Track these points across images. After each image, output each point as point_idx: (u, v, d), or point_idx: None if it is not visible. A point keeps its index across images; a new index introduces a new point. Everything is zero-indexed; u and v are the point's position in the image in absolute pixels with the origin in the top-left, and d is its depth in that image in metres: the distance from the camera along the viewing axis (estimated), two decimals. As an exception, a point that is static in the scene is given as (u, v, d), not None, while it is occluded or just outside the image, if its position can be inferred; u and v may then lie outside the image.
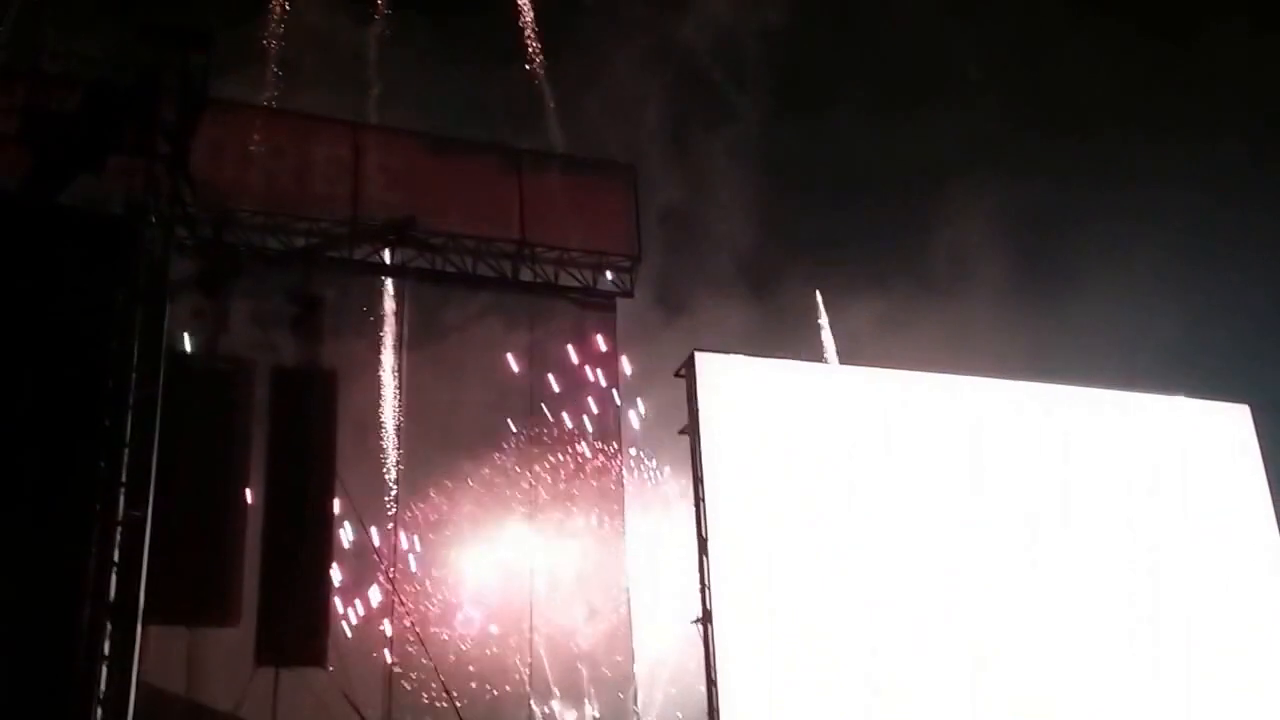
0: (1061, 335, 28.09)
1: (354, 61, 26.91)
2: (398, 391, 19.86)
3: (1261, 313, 29.19)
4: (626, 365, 22.00)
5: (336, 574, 17.83)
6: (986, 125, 32.97)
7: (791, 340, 29.18)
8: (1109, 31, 33.84)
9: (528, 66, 29.19)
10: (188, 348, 17.46)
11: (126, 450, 14.38)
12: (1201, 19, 31.97)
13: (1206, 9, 32.23)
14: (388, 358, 20.15)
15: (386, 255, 20.58)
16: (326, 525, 17.34)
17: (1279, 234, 29.45)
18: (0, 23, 20.58)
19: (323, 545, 17.16)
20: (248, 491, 17.01)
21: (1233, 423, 22.82)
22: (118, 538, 13.91)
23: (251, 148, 19.52)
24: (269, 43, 26.09)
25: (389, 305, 20.65)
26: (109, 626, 13.63)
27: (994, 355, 24.79)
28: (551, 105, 27.37)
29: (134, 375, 14.89)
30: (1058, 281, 31.12)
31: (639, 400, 23.36)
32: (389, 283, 20.79)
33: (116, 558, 13.91)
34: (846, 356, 29.23)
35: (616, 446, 20.93)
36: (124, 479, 14.21)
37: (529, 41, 30.26)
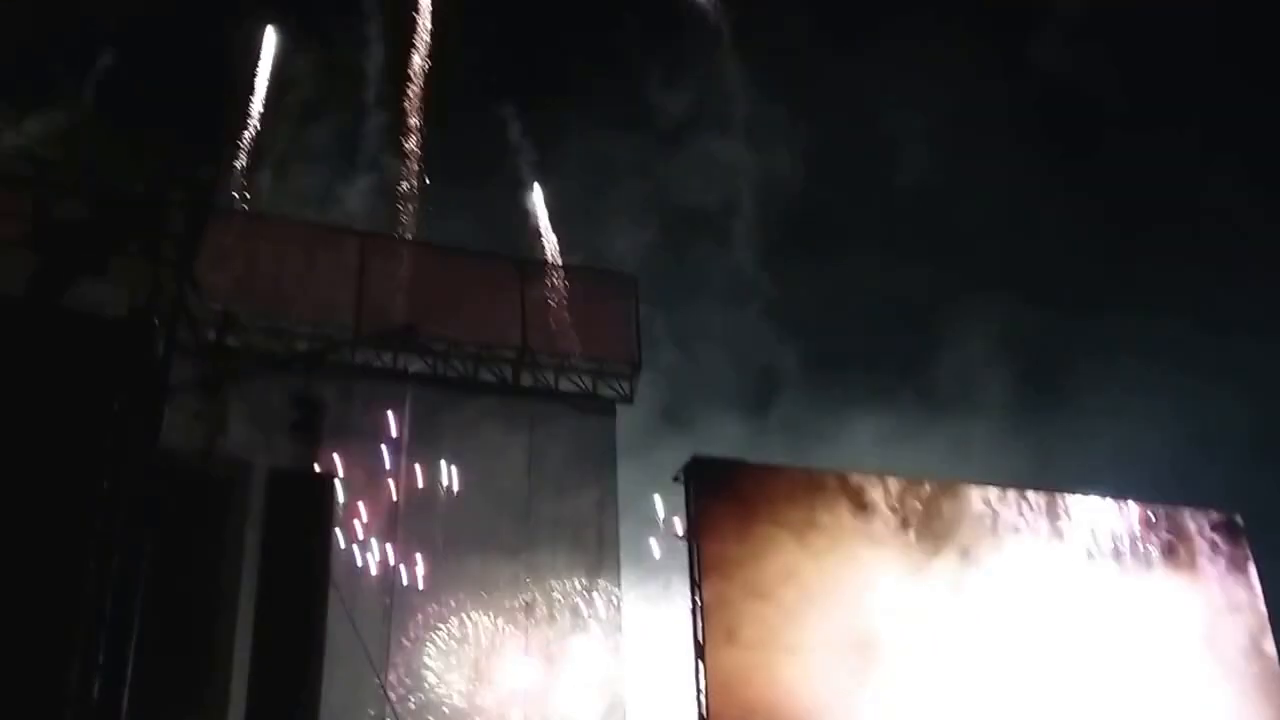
0: (1060, 450, 28.64)
1: (363, 164, 27.45)
2: (396, 496, 19.81)
3: (1249, 429, 29.82)
4: (625, 471, 21.93)
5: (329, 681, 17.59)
6: (991, 256, 33.88)
7: (793, 451, 29.22)
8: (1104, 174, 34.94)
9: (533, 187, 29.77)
10: (184, 450, 17.46)
11: (116, 553, 14.38)
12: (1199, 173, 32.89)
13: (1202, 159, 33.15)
14: (387, 462, 20.13)
15: (388, 360, 20.70)
16: (318, 629, 17.13)
17: (1264, 361, 30.09)
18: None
19: (315, 652, 16.93)
20: (240, 595, 16.87)
21: (1224, 529, 23.13)
22: (103, 641, 13.82)
23: (257, 254, 19.80)
24: (279, 140, 26.74)
25: (389, 410, 20.69)
26: (93, 731, 13.48)
27: (994, 468, 25.04)
28: (547, 218, 27.78)
29: (128, 478, 14.98)
30: (1056, 400, 32.14)
31: (638, 505, 23.22)
32: (390, 388, 20.84)
33: (101, 661, 13.81)
34: (849, 467, 29.11)
35: (614, 551, 20.77)
36: (112, 582, 14.17)
37: (528, 169, 31.03)
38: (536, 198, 27.56)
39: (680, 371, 31.05)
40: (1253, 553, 22.95)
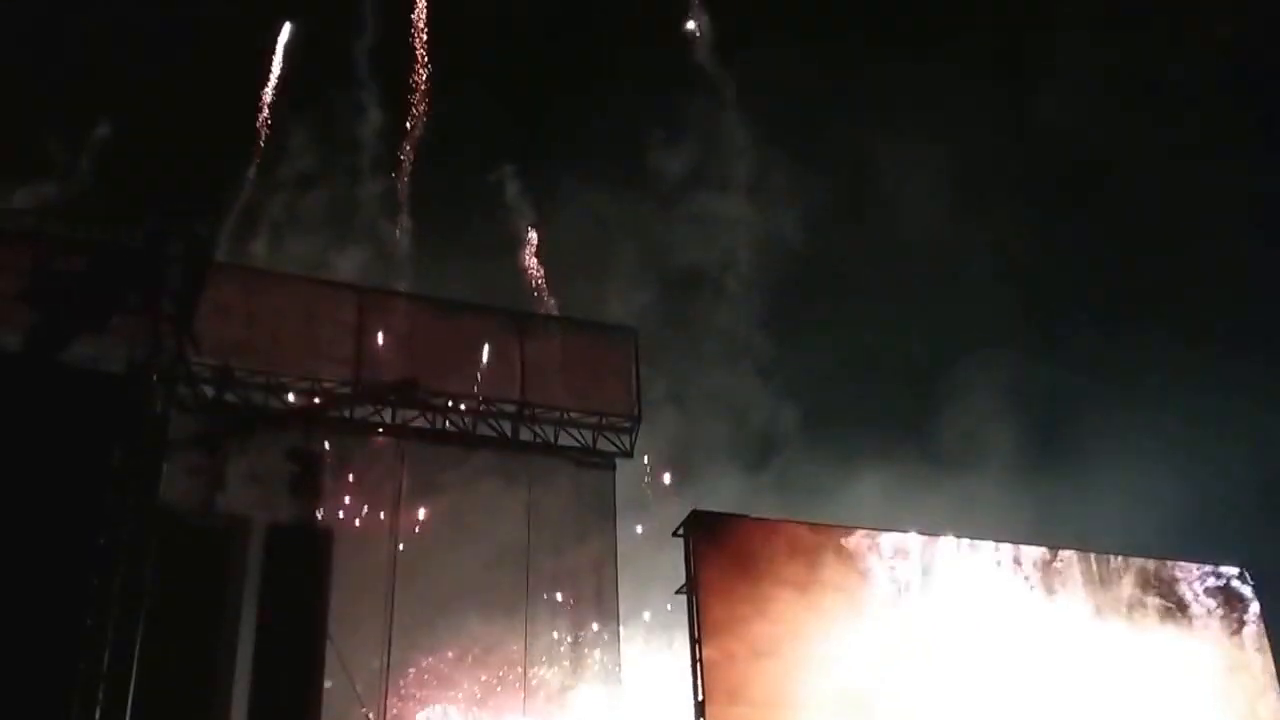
0: (1065, 507, 28.65)
1: (360, 227, 27.65)
2: (394, 552, 19.68)
3: (1256, 486, 29.75)
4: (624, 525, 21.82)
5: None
6: (996, 313, 34.12)
7: (795, 507, 29.09)
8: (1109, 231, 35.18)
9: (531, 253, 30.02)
10: (182, 505, 17.41)
11: (113, 609, 14.32)
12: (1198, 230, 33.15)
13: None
14: (385, 517, 20.03)
15: (387, 415, 20.67)
16: (316, 688, 17.01)
17: (1270, 416, 30.21)
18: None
19: (311, 702, 16.80)
20: (237, 648, 16.75)
21: (1229, 584, 22.99)
22: (100, 697, 13.74)
23: (256, 310, 19.82)
24: (275, 207, 26.98)
25: (388, 465, 20.63)
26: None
27: (1000, 525, 25.06)
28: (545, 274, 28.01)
29: (126, 533, 14.95)
30: (1061, 457, 32.03)
31: (638, 560, 23.11)
32: (389, 442, 20.78)
33: (98, 718, 13.72)
34: (854, 519, 29.05)
35: (613, 606, 20.61)
36: (109, 637, 14.11)
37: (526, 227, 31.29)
38: (534, 254, 27.80)
39: (680, 430, 31.00)
40: (1262, 610, 22.80)
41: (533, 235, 32.46)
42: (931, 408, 33.40)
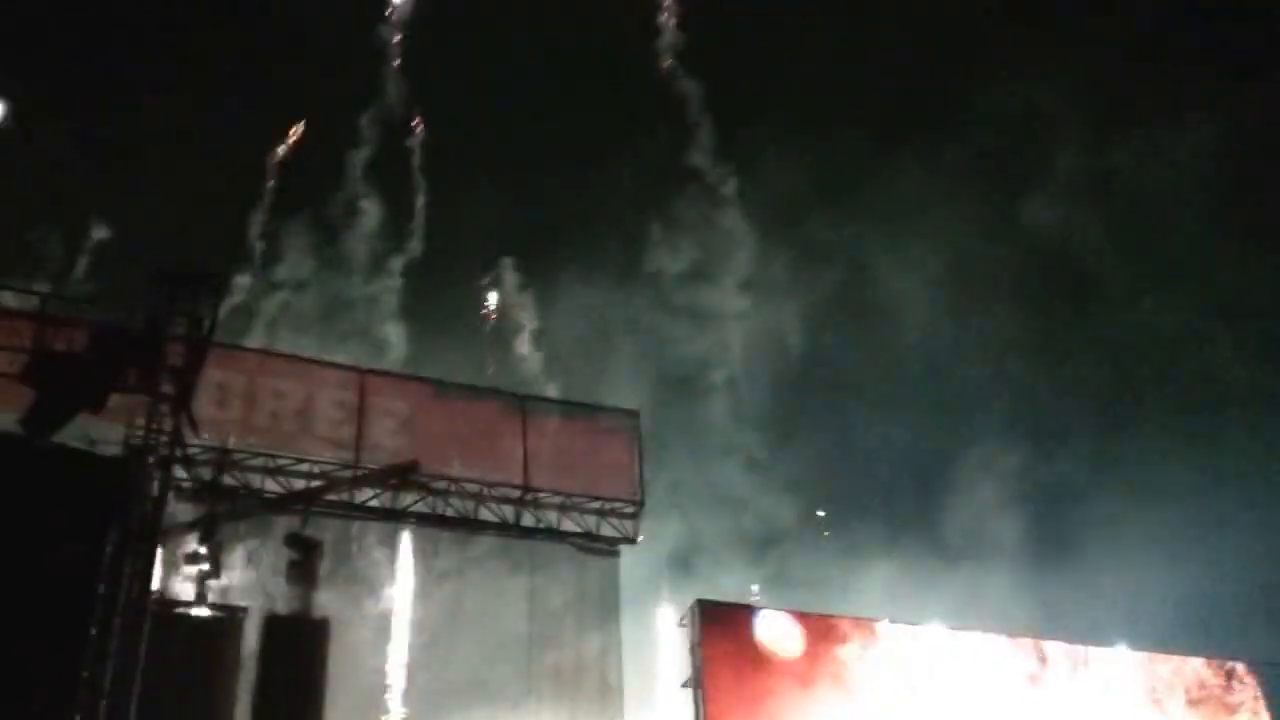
0: (1067, 598, 28.72)
1: (363, 309, 27.52)
2: (393, 638, 19.23)
3: (1258, 579, 29.85)
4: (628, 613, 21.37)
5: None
6: (996, 410, 34.39)
7: (801, 600, 28.79)
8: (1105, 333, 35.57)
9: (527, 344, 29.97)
10: (177, 591, 17.02)
11: (104, 702, 13.89)
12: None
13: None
14: (384, 603, 19.61)
15: (388, 498, 20.30)
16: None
17: (1270, 515, 30.63)
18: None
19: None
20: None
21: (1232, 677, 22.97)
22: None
23: (257, 391, 19.56)
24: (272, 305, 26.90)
25: (388, 549, 20.23)
26: None
27: (1002, 616, 24.84)
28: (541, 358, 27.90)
29: (118, 620, 14.54)
30: (1062, 549, 32.28)
31: (641, 648, 22.63)
32: (389, 527, 20.39)
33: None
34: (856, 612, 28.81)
35: (617, 694, 20.10)
36: (101, 729, 13.66)
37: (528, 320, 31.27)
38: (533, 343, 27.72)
39: (682, 524, 30.83)
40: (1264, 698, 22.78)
41: (531, 326, 32.38)
42: (934, 502, 33.44)
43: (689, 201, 35.97)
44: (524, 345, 29.44)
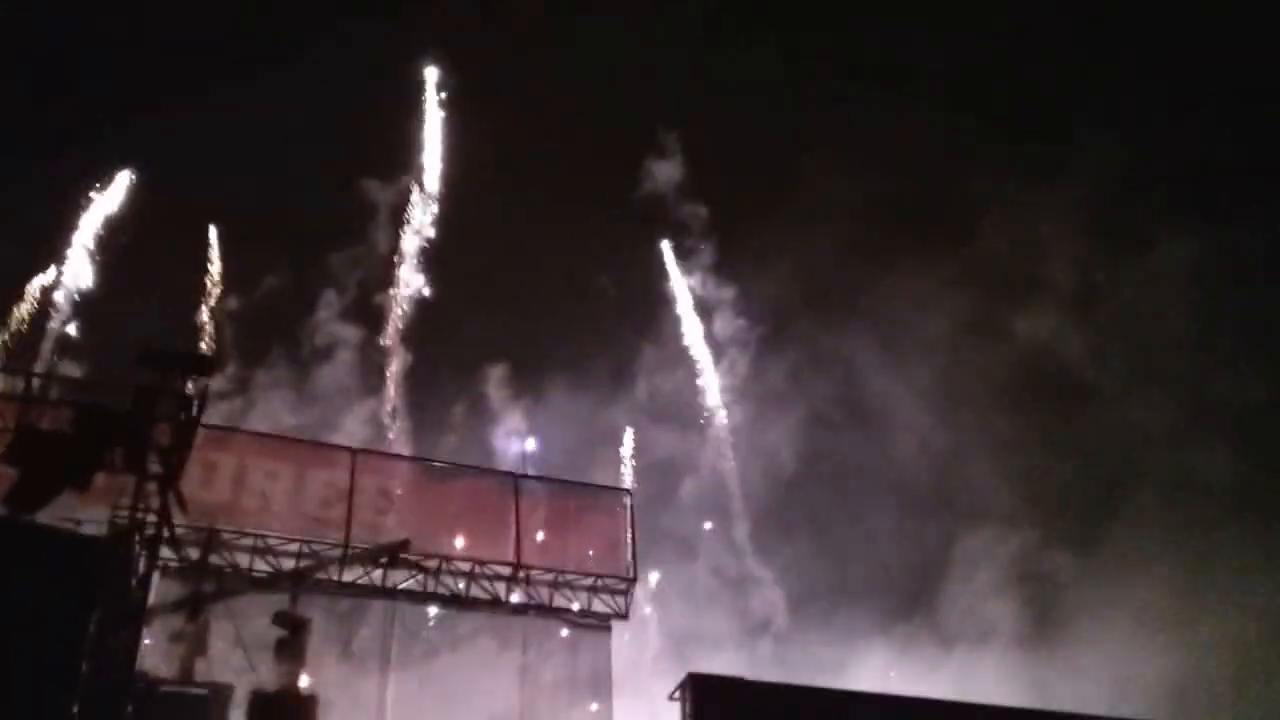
0: (1056, 678, 28.78)
1: (360, 373, 27.76)
2: (382, 714, 19.13)
3: (1236, 660, 30.32)
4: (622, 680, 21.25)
5: None
6: (991, 503, 35.19)
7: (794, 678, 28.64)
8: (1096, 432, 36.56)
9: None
10: (162, 671, 17.01)
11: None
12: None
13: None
14: (374, 680, 19.53)
15: (378, 576, 20.33)
16: None
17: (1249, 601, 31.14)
18: None
19: None
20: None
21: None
22: None
23: (246, 471, 19.70)
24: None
25: (378, 627, 20.20)
26: None
27: (996, 696, 24.84)
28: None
29: (103, 701, 14.56)
30: (1053, 631, 33.07)
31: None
32: (379, 604, 20.38)
33: None
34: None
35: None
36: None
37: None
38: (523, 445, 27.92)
39: (676, 612, 31.00)
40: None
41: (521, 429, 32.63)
42: (930, 589, 33.89)
43: (675, 321, 36.63)
44: (513, 445, 29.67)
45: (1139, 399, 35.97)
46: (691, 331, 35.61)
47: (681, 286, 34.99)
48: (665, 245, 34.98)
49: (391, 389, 26.13)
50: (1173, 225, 36.06)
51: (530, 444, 32.77)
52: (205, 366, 17.42)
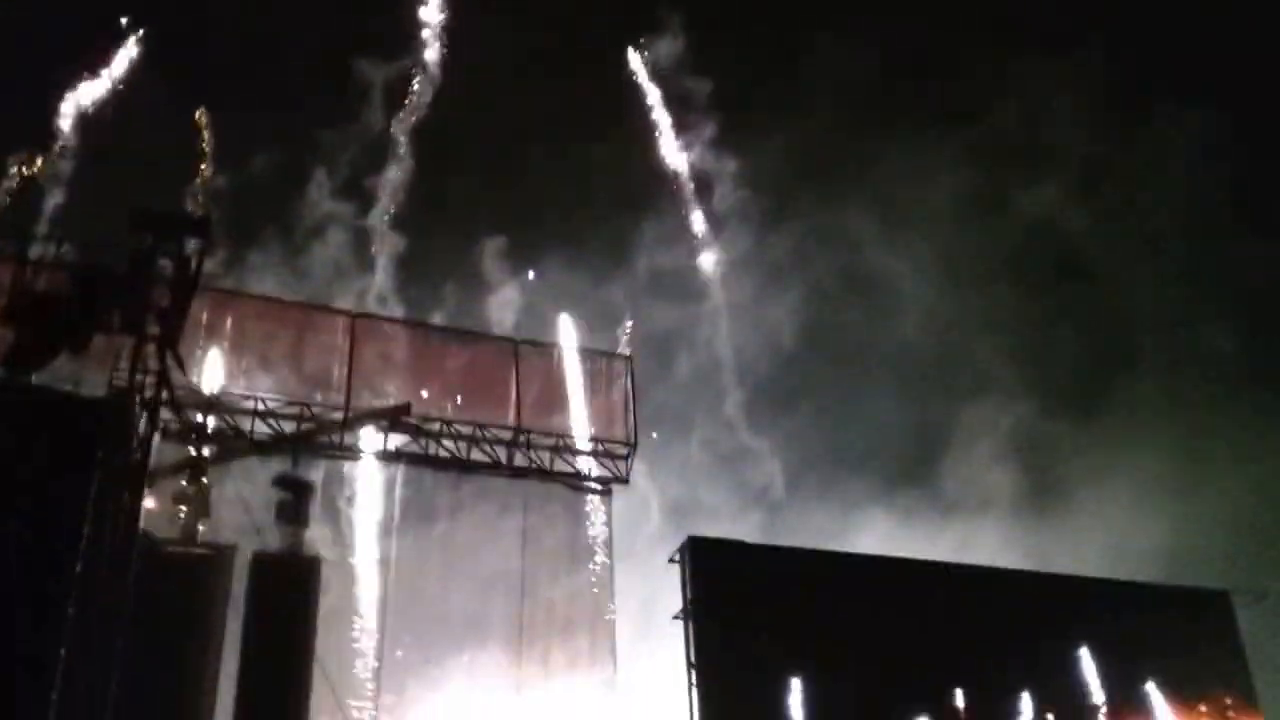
0: (1054, 545, 29.13)
1: (354, 252, 27.33)
2: (385, 578, 19.29)
3: (1231, 522, 30.59)
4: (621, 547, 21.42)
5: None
6: (991, 371, 35.20)
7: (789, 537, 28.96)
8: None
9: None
10: (165, 532, 17.06)
11: (92, 640, 13.94)
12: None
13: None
14: (376, 542, 19.64)
15: (379, 440, 20.33)
16: (301, 712, 16.57)
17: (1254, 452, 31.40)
18: None
19: (298, 734, 16.38)
20: (220, 679, 16.32)
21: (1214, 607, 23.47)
22: (75, 727, 13.35)
23: (246, 334, 19.54)
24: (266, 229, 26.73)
25: (380, 490, 20.24)
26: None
27: (995, 561, 25.15)
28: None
29: (105, 561, 14.58)
30: (1051, 496, 32.96)
31: (634, 586, 22.68)
32: (380, 467, 20.40)
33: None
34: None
35: (609, 629, 20.16)
36: (86, 669, 13.72)
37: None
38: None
39: (679, 478, 31.08)
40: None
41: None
42: (931, 459, 34.20)
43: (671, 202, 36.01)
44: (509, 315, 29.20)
45: (1143, 275, 36.03)
46: (685, 191, 34.98)
47: (654, 93, 33.97)
48: (632, 52, 33.74)
49: (381, 272, 25.72)
50: (1183, 101, 35.58)
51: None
52: (201, 228, 17.06)
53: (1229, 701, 22.24)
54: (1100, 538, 29.40)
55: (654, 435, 26.36)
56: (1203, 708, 21.95)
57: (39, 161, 23.84)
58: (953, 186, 36.53)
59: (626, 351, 23.54)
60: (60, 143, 24.99)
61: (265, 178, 30.73)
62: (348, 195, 29.83)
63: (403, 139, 29.88)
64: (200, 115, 27.15)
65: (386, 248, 27.07)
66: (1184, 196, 35.96)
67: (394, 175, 29.24)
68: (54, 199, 24.26)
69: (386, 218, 28.06)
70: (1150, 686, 21.84)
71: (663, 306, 34.19)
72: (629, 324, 27.63)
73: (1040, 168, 37.40)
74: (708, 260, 33.96)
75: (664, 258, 34.60)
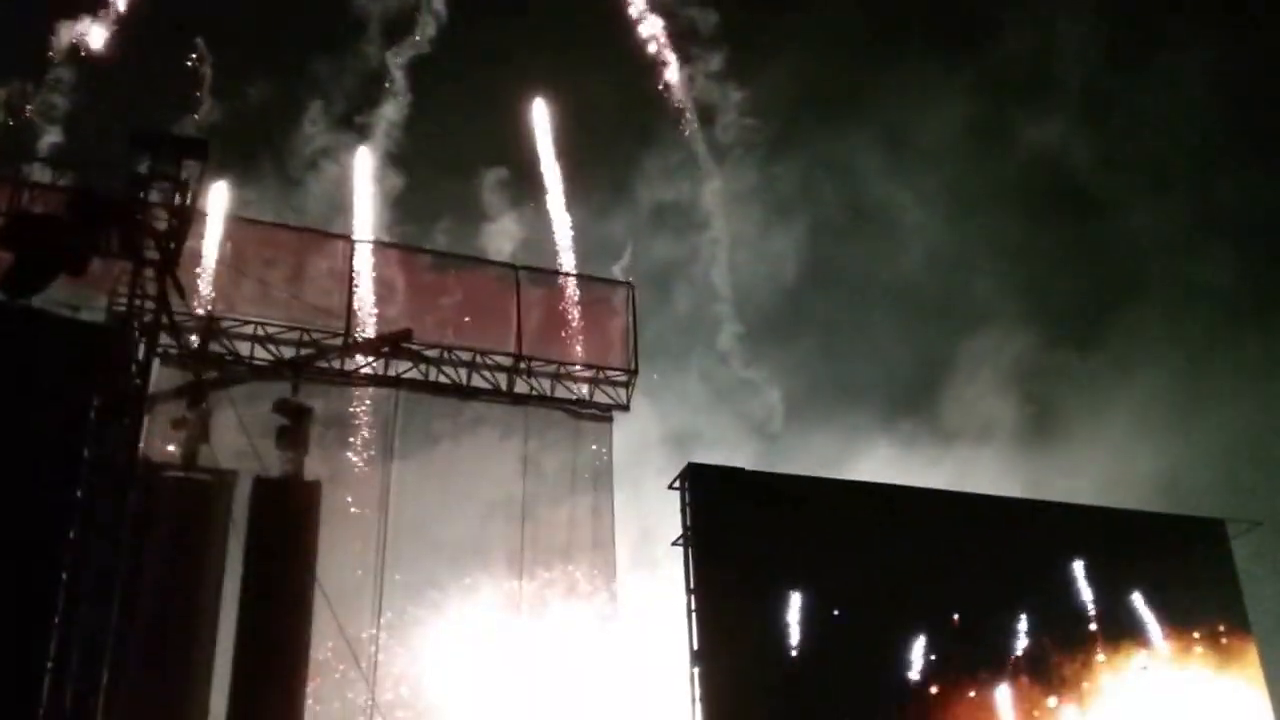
0: (1054, 473, 29.45)
1: (349, 186, 27.06)
2: (385, 505, 19.33)
3: (1228, 447, 30.95)
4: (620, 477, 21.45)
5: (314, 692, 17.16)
6: (992, 301, 34.98)
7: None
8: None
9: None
10: (165, 457, 17.08)
11: (91, 563, 14.04)
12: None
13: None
14: (376, 467, 19.67)
15: (380, 366, 20.29)
16: (303, 638, 16.72)
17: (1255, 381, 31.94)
18: None
19: (299, 659, 16.52)
20: (221, 605, 16.43)
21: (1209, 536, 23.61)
22: (76, 652, 13.47)
23: (244, 258, 19.40)
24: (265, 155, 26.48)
25: (380, 416, 20.24)
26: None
27: (994, 490, 25.32)
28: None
29: (105, 486, 14.64)
30: (1052, 425, 33.05)
31: (634, 514, 22.79)
32: (381, 393, 20.38)
33: (75, 672, 13.46)
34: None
35: (610, 557, 20.26)
36: (87, 593, 13.83)
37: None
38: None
39: (676, 404, 31.08)
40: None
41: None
42: (932, 387, 34.15)
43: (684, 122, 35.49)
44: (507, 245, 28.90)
45: (1147, 206, 35.69)
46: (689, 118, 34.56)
47: (657, 25, 33.49)
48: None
49: (378, 204, 25.39)
50: (1194, 31, 35.18)
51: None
52: (200, 149, 16.92)
53: (1222, 629, 22.47)
54: (1098, 468, 29.61)
55: (655, 377, 26.38)
56: (1196, 635, 22.15)
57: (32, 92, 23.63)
58: (958, 117, 36.21)
59: (627, 279, 23.42)
60: (55, 71, 24.73)
61: (259, 110, 30.41)
62: (344, 128, 29.57)
63: (400, 72, 29.54)
64: (198, 45, 26.84)
65: (383, 181, 26.81)
66: (1192, 129, 35.76)
67: (391, 109, 28.95)
68: (50, 132, 24.04)
69: (383, 151, 27.79)
70: (1144, 613, 22.05)
71: (664, 240, 34.08)
72: (629, 253, 27.56)
73: (1047, 98, 37.17)
74: (710, 192, 33.79)
75: (666, 190, 34.41)
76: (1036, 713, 20.72)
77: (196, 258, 18.39)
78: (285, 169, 28.10)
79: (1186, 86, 35.42)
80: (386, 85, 29.40)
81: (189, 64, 26.96)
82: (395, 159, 28.07)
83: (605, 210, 32.24)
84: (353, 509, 18.95)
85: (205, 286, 18.63)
